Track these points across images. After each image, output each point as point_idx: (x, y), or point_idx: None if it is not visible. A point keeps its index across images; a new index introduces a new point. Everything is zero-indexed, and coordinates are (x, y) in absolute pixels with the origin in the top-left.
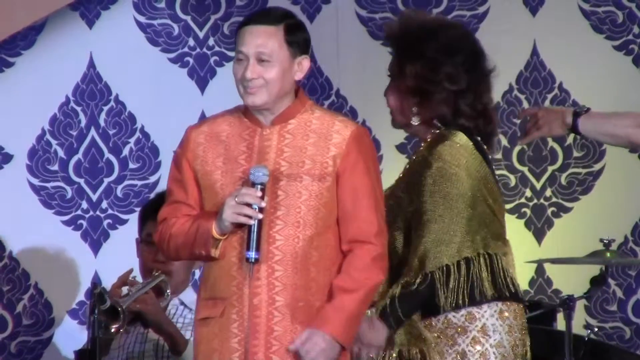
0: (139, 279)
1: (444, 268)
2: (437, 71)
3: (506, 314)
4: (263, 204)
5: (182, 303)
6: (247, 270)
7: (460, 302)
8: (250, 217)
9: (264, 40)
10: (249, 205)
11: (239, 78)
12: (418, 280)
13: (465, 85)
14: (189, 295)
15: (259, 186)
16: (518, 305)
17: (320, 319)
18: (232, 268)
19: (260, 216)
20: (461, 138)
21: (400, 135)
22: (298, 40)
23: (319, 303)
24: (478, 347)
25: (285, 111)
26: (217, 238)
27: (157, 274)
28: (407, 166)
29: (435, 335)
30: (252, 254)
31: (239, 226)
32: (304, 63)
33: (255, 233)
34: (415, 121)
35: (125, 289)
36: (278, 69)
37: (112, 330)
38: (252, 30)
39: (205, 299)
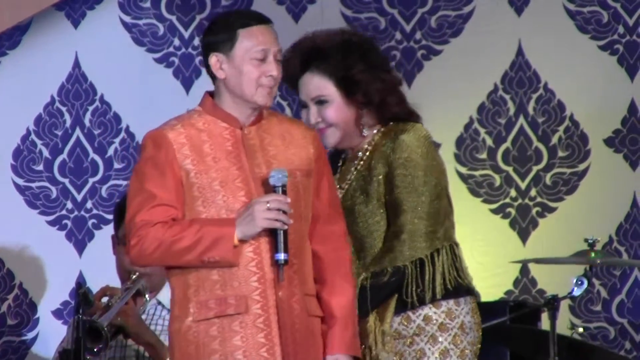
0: (117, 277)
1: (417, 262)
2: (382, 76)
3: (476, 311)
4: (291, 210)
5: (159, 303)
6: (272, 271)
7: (438, 294)
8: (283, 222)
9: (277, 39)
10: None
11: (258, 76)
12: (389, 272)
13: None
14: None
15: (280, 188)
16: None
17: (333, 341)
18: (250, 263)
19: (291, 221)
20: (422, 129)
21: None
22: None
23: (313, 297)
24: (459, 344)
25: (259, 112)
26: (236, 245)
27: (135, 277)
28: (364, 159)
29: (412, 332)
30: (283, 256)
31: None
32: None
33: (283, 236)
34: (366, 131)
35: (105, 299)
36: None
37: (95, 350)
38: (269, 30)
39: (202, 300)
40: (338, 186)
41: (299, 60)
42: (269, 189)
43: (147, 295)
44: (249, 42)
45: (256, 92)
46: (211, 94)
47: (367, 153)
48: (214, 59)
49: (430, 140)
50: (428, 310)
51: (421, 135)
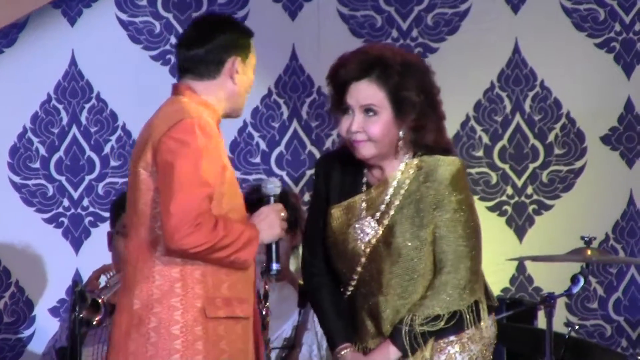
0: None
1: (473, 305)
2: (434, 101)
3: (495, 322)
4: None
5: None
6: (263, 279)
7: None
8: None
9: None
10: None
11: (250, 86)
12: (446, 317)
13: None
14: None
15: (272, 198)
16: None
17: None
18: (251, 269)
19: None
20: (460, 163)
21: None
22: None
23: None
24: (485, 354)
25: None
26: None
27: None
28: (401, 192)
29: (445, 345)
30: (276, 266)
31: None
32: None
33: (276, 245)
34: (402, 153)
35: (103, 280)
36: None
37: (94, 322)
38: None
39: (212, 297)
40: (365, 213)
41: (360, 65)
42: None
43: None
44: (254, 53)
45: (243, 102)
46: None
47: (405, 187)
48: (235, 61)
49: (466, 173)
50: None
51: (462, 171)
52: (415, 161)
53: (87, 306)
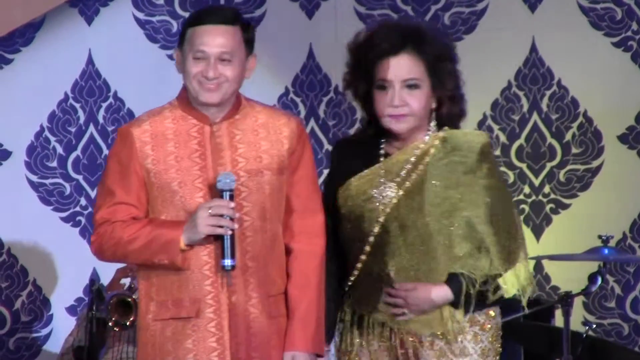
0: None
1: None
2: (458, 74)
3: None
4: (237, 215)
5: None
6: (224, 276)
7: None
8: (225, 227)
9: (225, 40)
10: (222, 216)
11: (195, 74)
12: (493, 285)
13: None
14: None
15: (228, 193)
16: None
17: (292, 338)
18: (204, 267)
19: (236, 226)
20: (489, 137)
21: None
22: (251, 39)
23: (280, 296)
24: (495, 344)
25: (231, 108)
26: (184, 249)
27: None
28: (420, 168)
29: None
30: (229, 262)
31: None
32: (253, 62)
33: (229, 241)
34: (432, 125)
35: (127, 282)
36: (237, 69)
37: (127, 323)
38: (211, 30)
39: (161, 300)
40: (384, 179)
41: (396, 39)
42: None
43: None
44: (193, 41)
45: (198, 89)
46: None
47: (430, 154)
48: (175, 53)
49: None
50: (475, 313)
51: (490, 144)
52: (441, 133)
53: (114, 307)
